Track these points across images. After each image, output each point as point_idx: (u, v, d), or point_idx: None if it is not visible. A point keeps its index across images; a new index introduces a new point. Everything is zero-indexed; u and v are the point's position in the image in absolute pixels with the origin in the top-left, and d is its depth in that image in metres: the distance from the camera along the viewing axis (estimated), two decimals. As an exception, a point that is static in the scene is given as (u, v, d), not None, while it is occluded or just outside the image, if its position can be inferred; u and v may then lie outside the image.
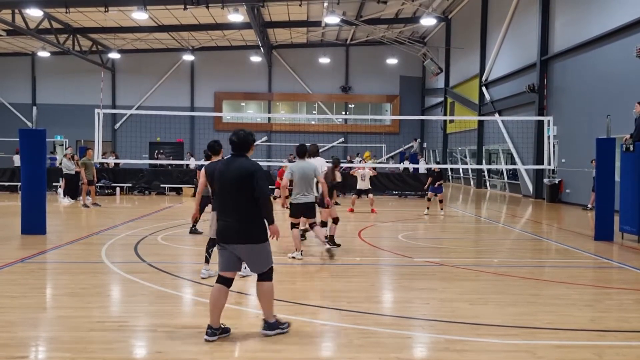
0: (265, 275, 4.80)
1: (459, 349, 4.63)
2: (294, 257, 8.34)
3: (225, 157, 5.09)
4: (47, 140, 11.59)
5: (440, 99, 34.39)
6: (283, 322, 4.90)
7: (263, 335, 4.78)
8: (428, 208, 15.42)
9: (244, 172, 4.66)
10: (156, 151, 30.50)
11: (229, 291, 4.83)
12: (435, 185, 15.33)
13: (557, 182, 20.10)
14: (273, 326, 4.82)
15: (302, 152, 8.45)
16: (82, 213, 15.33)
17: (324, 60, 35.31)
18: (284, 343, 4.70)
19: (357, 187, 16.39)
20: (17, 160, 29.81)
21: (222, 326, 4.77)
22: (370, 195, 16.35)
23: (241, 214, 4.67)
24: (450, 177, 34.08)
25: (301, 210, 8.35)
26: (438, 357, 4.50)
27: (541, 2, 20.87)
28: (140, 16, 22.95)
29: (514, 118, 22.83)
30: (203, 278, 6.94)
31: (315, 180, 8.42)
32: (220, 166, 4.92)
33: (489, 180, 28.32)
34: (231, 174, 4.70)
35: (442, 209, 15.76)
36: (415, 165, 25.63)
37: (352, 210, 15.85)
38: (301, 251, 8.46)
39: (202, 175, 7.36)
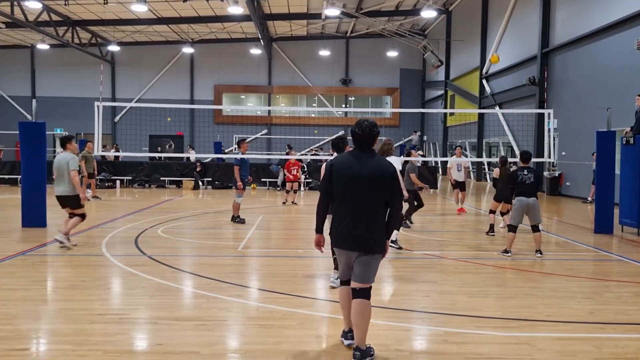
0: (367, 292, 4.17)
1: (458, 341, 4.64)
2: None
3: (348, 151, 4.41)
4: (47, 133, 11.59)
5: (441, 92, 34.32)
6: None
7: None
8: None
9: (384, 174, 4.11)
10: (167, 145, 30.65)
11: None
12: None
13: (557, 175, 20.09)
14: (367, 354, 4.17)
15: None
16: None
17: (324, 52, 35.20)
18: (284, 335, 4.71)
19: (454, 179, 14.51)
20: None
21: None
22: (461, 192, 14.47)
23: (369, 220, 4.10)
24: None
25: None
26: (438, 349, 4.51)
27: (542, -5, 20.81)
28: (139, 8, 22.83)
29: (514, 111, 22.79)
30: (333, 287, 6.25)
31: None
32: (346, 162, 4.20)
33: (489, 173, 28.30)
34: (367, 175, 4.08)
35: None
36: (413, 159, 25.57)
37: (462, 210, 14.21)
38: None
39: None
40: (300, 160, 18.21)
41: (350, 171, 4.13)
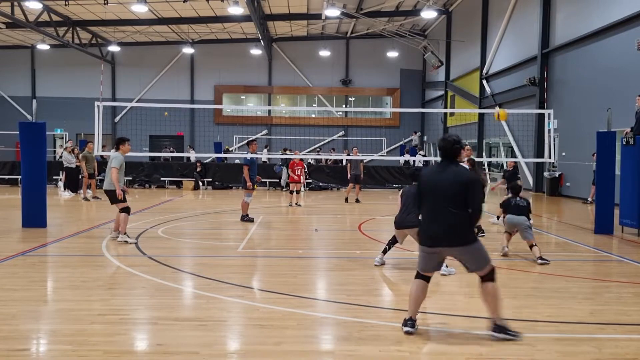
0: (488, 276, 4.71)
1: (458, 342, 4.64)
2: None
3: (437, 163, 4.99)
4: (47, 133, 11.60)
5: (441, 92, 34.33)
6: (513, 330, 4.70)
7: (491, 337, 4.64)
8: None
9: (459, 181, 4.62)
10: (169, 148, 30.97)
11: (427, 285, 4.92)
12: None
13: (557, 176, 20.10)
14: (502, 329, 4.66)
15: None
16: (83, 206, 15.34)
17: (324, 53, 35.20)
18: (284, 336, 4.71)
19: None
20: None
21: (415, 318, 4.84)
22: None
23: (452, 220, 4.62)
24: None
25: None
26: (438, 349, 4.51)
27: (542, -5, 20.81)
28: (139, 9, 22.83)
29: (514, 111, 22.76)
30: (376, 265, 7.56)
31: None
32: (430, 172, 4.89)
33: (489, 174, 28.31)
34: (445, 181, 4.65)
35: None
36: (414, 158, 25.66)
37: None
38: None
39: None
40: (302, 160, 18.18)
41: (432, 181, 4.75)
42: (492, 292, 4.68)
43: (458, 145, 4.72)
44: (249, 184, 11.84)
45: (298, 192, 16.34)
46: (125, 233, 9.18)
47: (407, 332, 4.72)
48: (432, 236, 4.70)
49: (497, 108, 22.21)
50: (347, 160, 18.78)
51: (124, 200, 9.24)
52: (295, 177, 16.08)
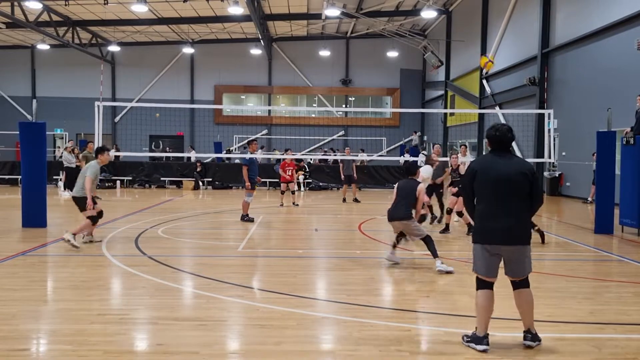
0: (525, 282, 4.54)
1: (459, 342, 4.63)
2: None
3: (486, 154, 4.68)
4: (47, 133, 11.60)
5: (441, 92, 34.30)
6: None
7: (525, 346, 4.48)
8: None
9: (525, 170, 4.43)
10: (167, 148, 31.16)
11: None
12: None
13: (557, 175, 20.10)
14: (537, 337, 4.51)
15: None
16: (83, 206, 15.33)
17: (324, 53, 35.16)
18: (284, 336, 4.71)
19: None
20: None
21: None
22: None
23: (517, 214, 4.42)
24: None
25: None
26: (438, 350, 4.51)
27: (542, -5, 20.80)
28: (139, 9, 22.80)
29: (514, 111, 22.76)
30: (389, 262, 7.60)
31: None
32: (487, 162, 4.55)
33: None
34: (511, 171, 4.41)
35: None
36: (414, 158, 25.63)
37: None
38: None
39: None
40: (299, 160, 18.13)
41: (494, 172, 4.46)
42: (530, 299, 4.52)
43: (511, 134, 4.54)
44: (247, 184, 11.85)
45: (294, 192, 16.32)
46: (75, 235, 8.61)
47: (484, 350, 4.40)
48: (503, 232, 4.39)
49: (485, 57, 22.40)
50: (340, 160, 18.80)
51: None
52: (287, 177, 16.02)
